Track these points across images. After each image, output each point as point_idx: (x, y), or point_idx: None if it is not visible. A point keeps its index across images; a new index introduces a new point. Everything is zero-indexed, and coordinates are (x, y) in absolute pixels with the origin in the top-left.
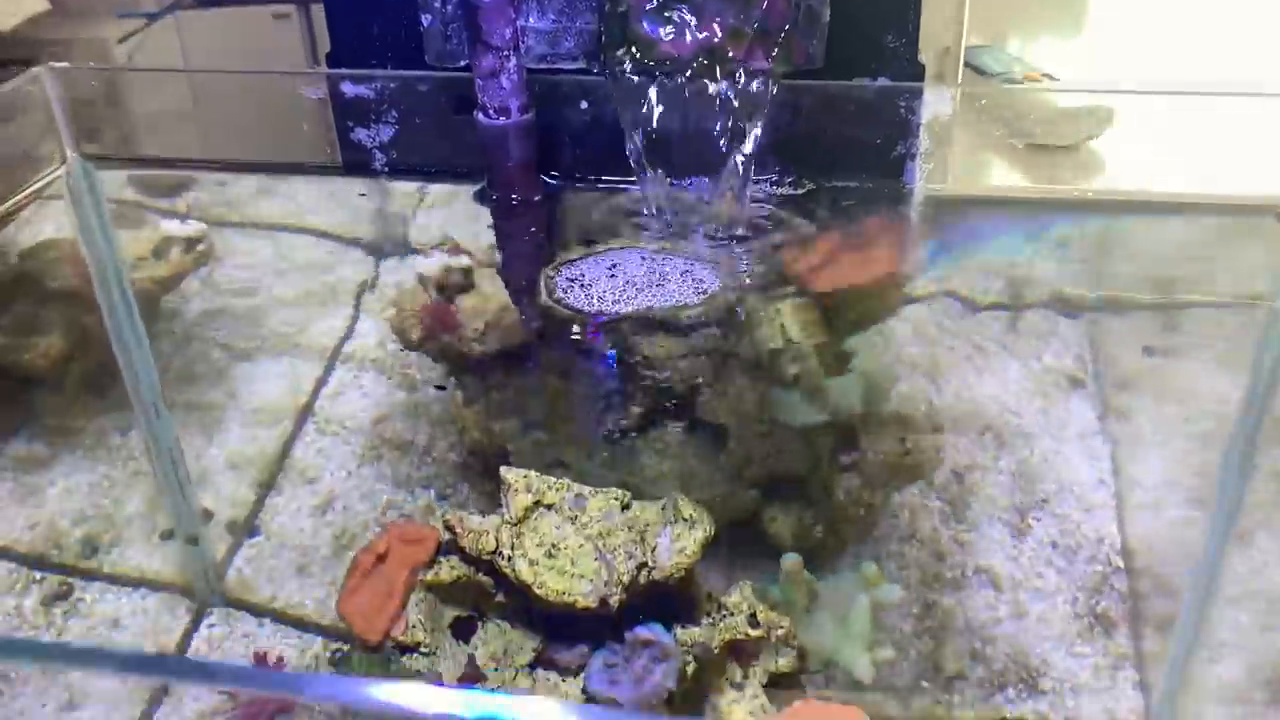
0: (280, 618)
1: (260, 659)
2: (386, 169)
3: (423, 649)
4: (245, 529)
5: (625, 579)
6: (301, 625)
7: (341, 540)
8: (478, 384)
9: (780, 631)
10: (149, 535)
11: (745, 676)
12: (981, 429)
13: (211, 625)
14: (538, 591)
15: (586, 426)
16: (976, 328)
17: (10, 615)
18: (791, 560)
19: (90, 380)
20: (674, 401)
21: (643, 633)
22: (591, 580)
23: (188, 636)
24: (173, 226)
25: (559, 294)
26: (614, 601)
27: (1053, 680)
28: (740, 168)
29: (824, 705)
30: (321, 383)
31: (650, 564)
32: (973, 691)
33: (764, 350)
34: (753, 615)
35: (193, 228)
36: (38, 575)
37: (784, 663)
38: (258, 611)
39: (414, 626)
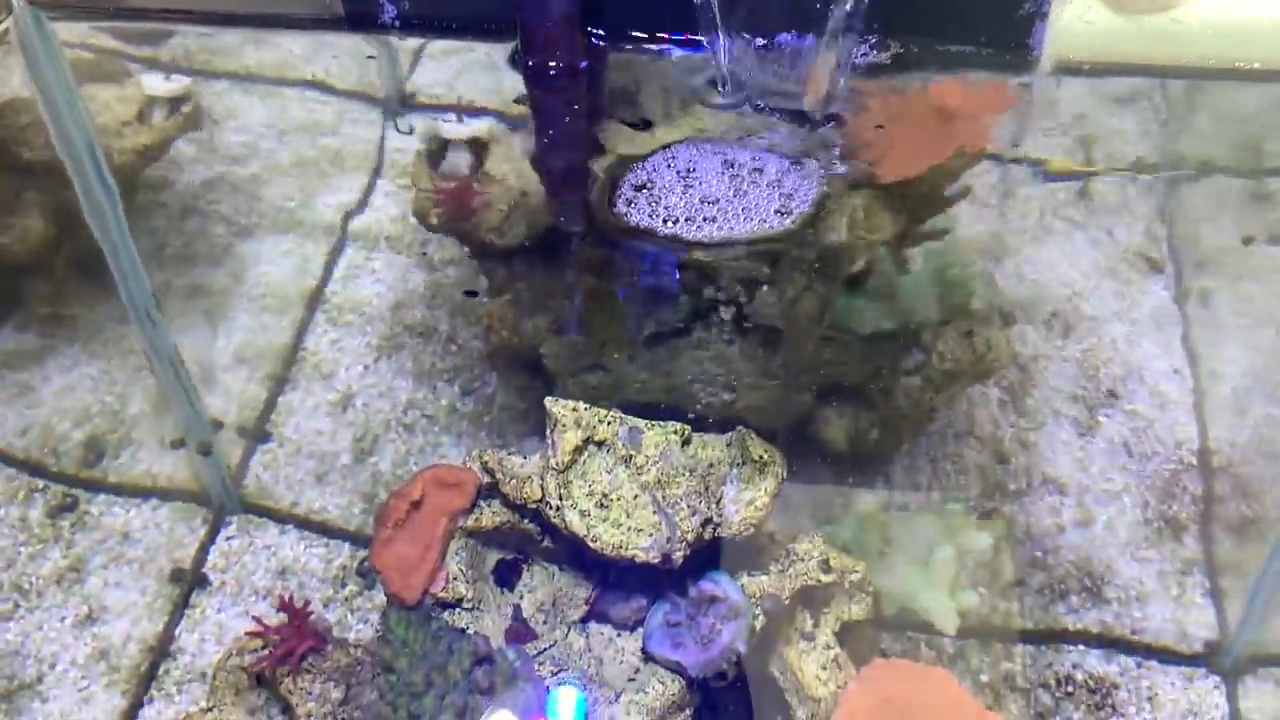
0: (303, 526)
1: (285, 605)
2: (398, 23)
3: (465, 604)
4: (259, 432)
5: (690, 536)
6: (326, 533)
7: (362, 444)
8: (505, 275)
9: (854, 577)
10: (157, 440)
11: (816, 625)
12: (1049, 316)
13: (230, 537)
14: (591, 545)
15: (627, 327)
16: (1050, 202)
17: (15, 528)
18: (869, 503)
19: (81, 264)
20: (727, 302)
21: (708, 588)
22: (651, 534)
23: (205, 550)
24: (155, 83)
25: (621, 207)
26: (677, 559)
27: (1117, 589)
28: (839, 25)
29: (907, 664)
30: (331, 263)
31: (716, 519)
32: (1032, 600)
33: (830, 247)
34: (825, 561)
35: (177, 84)
36: (40, 484)
37: (857, 610)
38: (279, 519)
39: (455, 579)
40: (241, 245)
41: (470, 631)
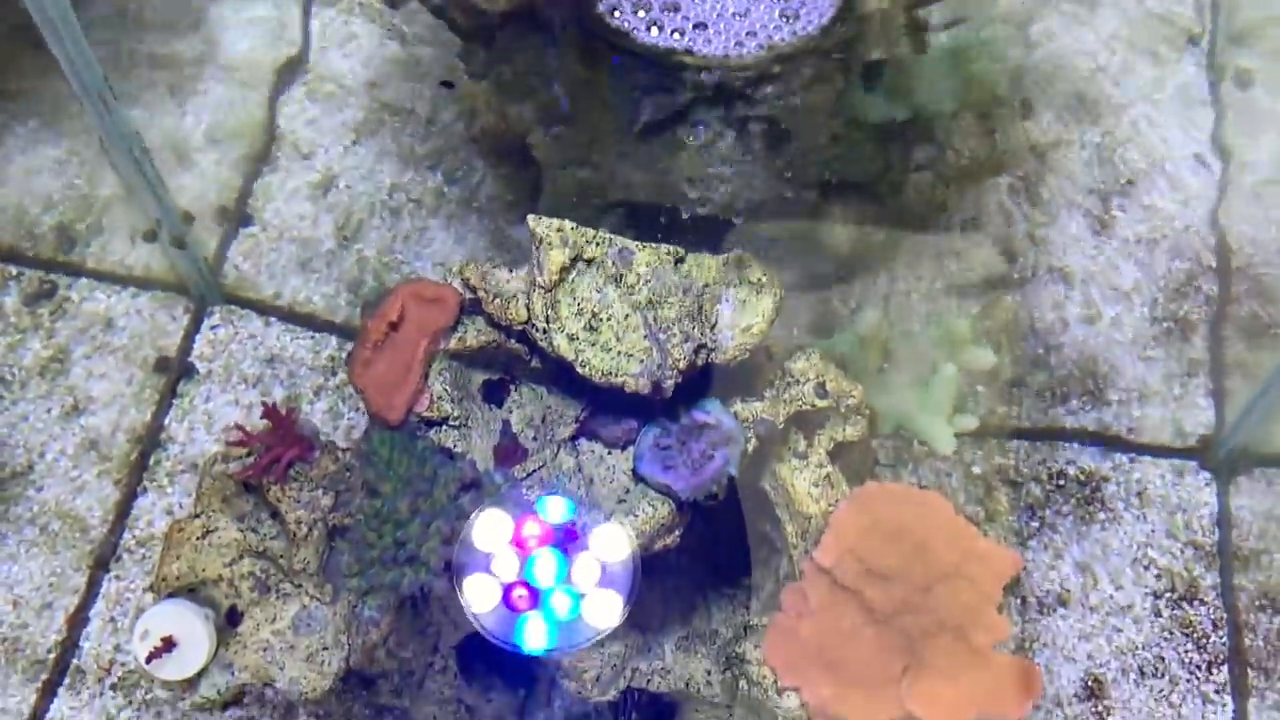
0: (287, 317)
1: (269, 412)
2: None
3: (451, 421)
4: (236, 217)
5: (682, 364)
6: (311, 324)
7: (345, 230)
8: (486, 58)
9: (851, 400)
10: (130, 228)
11: (809, 445)
12: (1071, 98)
13: (215, 326)
14: (580, 370)
15: (619, 120)
16: None
17: None
18: (869, 317)
19: (30, 30)
20: (728, 96)
21: (700, 417)
22: (642, 360)
23: (189, 339)
24: None
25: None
26: (668, 387)
27: (1119, 389)
28: None
29: (901, 488)
30: (306, 28)
31: (709, 345)
32: (1031, 400)
33: (842, 36)
34: (821, 384)
35: None
36: (13, 270)
37: (851, 431)
38: (262, 310)
39: (440, 399)
40: (211, 9)
41: (457, 449)
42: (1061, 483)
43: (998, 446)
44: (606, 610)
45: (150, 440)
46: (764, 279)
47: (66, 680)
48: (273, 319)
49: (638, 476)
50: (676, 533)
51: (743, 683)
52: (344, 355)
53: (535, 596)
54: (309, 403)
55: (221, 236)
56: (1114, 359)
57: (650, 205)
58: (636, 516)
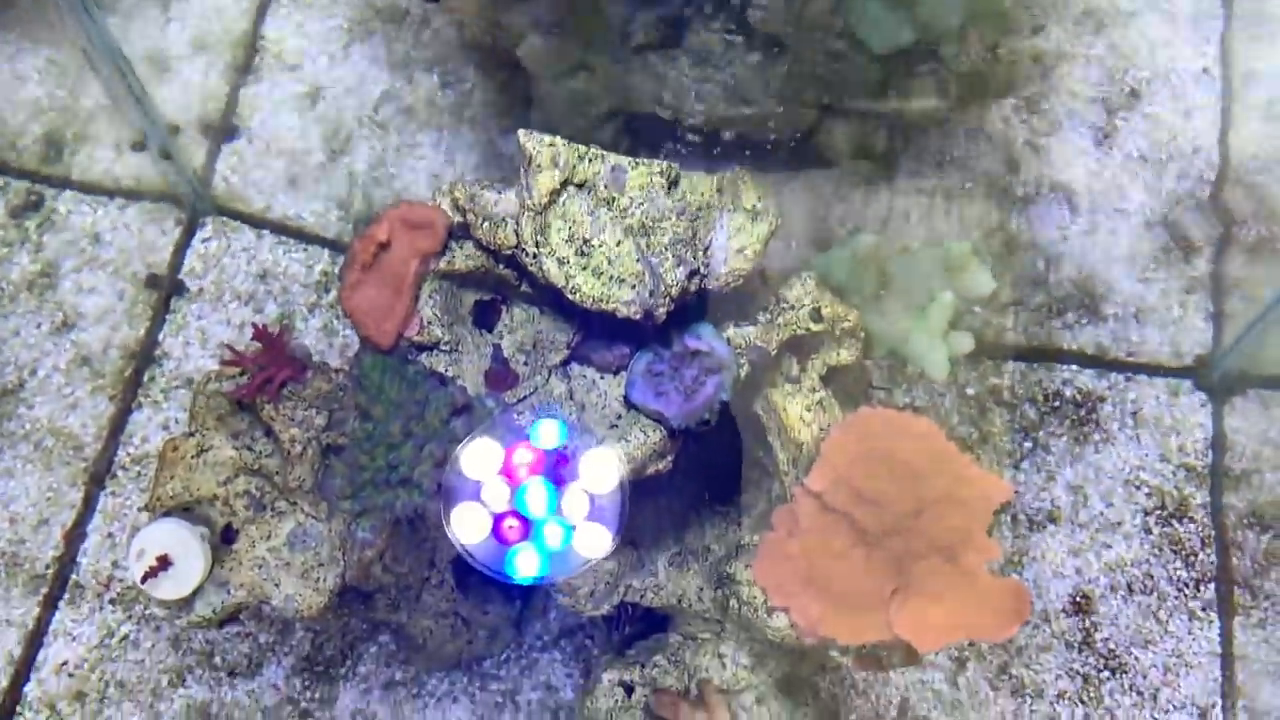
0: (279, 231)
1: (259, 333)
2: None
3: (442, 346)
4: (223, 129)
5: (674, 290)
6: (303, 238)
7: (333, 143)
8: None
9: (846, 325)
10: (116, 139)
11: (802, 370)
12: (1079, 14)
13: (206, 240)
14: (570, 297)
15: (614, 27)
16: None
17: None
18: (866, 240)
19: None
20: (726, 4)
21: (693, 343)
22: (634, 286)
23: (180, 252)
24: None
25: None
26: (660, 314)
27: (1116, 307)
28: None
29: (893, 414)
30: None
31: (703, 270)
32: (1029, 316)
33: None
34: (816, 310)
35: None
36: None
37: (845, 354)
38: (253, 223)
39: (430, 324)
40: None
41: (448, 374)
42: (1057, 404)
43: (993, 367)
44: (596, 542)
45: (144, 356)
46: (760, 203)
47: (66, 595)
48: (264, 232)
49: (629, 403)
50: (668, 458)
51: (733, 601)
52: (337, 271)
53: (527, 527)
54: (303, 319)
55: (208, 149)
56: (1113, 277)
57: (646, 116)
58: (628, 443)
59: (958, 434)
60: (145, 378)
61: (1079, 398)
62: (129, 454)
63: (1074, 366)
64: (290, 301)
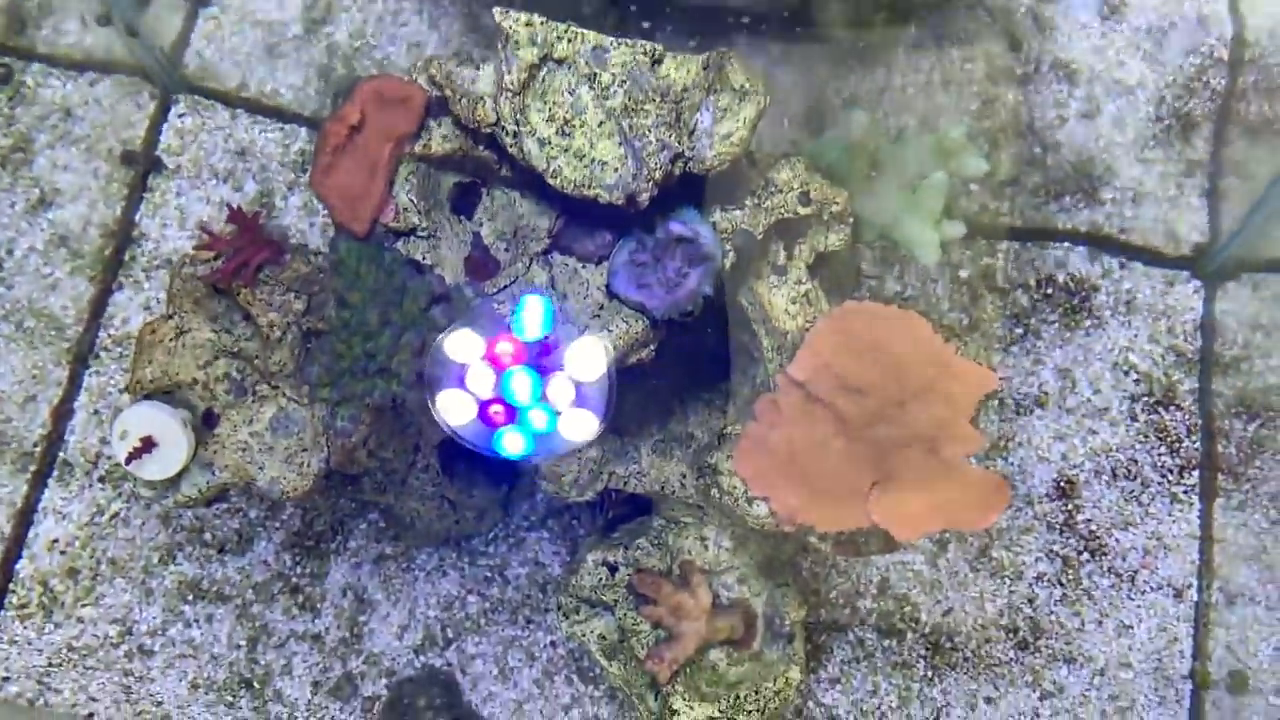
0: (255, 109)
1: (234, 215)
2: None
3: (420, 232)
4: None
5: (657, 174)
6: (280, 116)
7: (314, 11)
8: None
9: (835, 208)
10: (83, 8)
11: (789, 259)
12: None
13: (182, 115)
14: (551, 181)
15: None
16: None
17: None
18: (860, 118)
19: None
20: None
21: (677, 229)
22: (617, 169)
23: (155, 129)
24: None
25: None
26: (643, 200)
27: (1114, 189)
28: None
29: (880, 307)
30: None
31: (687, 154)
32: (1025, 199)
33: None
34: (804, 193)
35: None
36: None
37: (834, 239)
38: (229, 102)
39: (406, 210)
40: None
41: (427, 261)
42: (1049, 290)
43: (987, 248)
44: (582, 426)
45: (123, 235)
46: (747, 84)
47: (55, 472)
48: (240, 110)
49: (611, 293)
50: (651, 348)
51: (714, 491)
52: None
53: (511, 413)
54: (282, 198)
55: (184, 17)
56: (1111, 158)
57: None
58: (610, 332)
59: (949, 319)
60: (125, 257)
61: (1072, 284)
62: (111, 334)
63: (1068, 245)
64: (269, 180)
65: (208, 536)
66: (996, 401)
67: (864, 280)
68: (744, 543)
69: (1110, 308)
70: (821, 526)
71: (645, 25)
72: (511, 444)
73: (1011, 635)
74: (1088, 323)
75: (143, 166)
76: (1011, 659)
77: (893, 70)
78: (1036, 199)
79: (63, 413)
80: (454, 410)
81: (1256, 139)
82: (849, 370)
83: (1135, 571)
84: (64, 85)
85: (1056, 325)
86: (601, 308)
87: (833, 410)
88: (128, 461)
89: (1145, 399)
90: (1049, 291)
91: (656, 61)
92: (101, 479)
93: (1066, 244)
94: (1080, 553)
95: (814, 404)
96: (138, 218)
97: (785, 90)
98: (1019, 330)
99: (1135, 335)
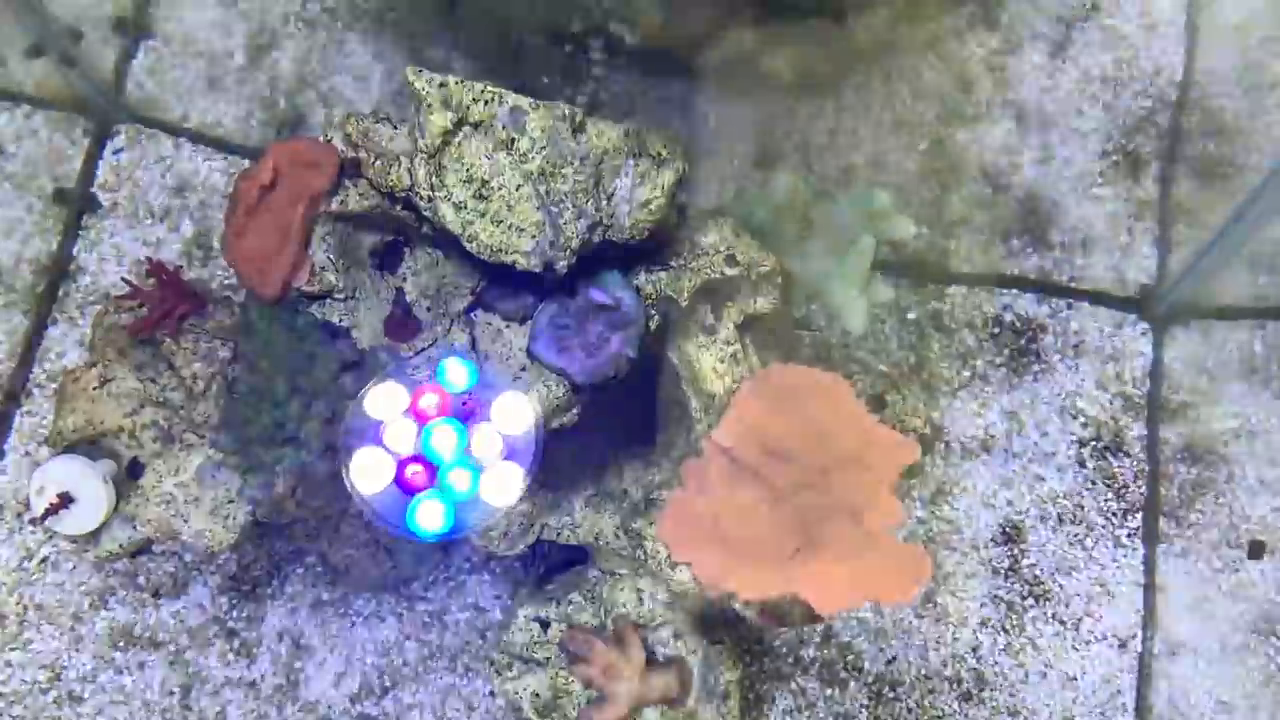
0: (198, 139)
1: (154, 268)
2: None
3: (337, 294)
4: (136, 27)
5: (574, 243)
6: (223, 147)
7: (258, 41)
8: None
9: (763, 269)
10: (16, 38)
11: (716, 319)
12: None
13: (118, 151)
14: (467, 245)
15: None
16: None
17: None
18: (784, 184)
19: None
20: None
21: (598, 297)
22: (534, 236)
23: (92, 163)
24: None
25: None
26: (561, 267)
27: (1062, 231)
28: None
29: (805, 370)
30: None
31: (605, 222)
32: (972, 238)
33: None
34: (731, 256)
35: None
36: None
37: (763, 302)
38: (171, 131)
39: (323, 270)
40: None
41: (343, 324)
42: (996, 330)
43: (934, 291)
44: (507, 485)
45: (58, 271)
46: (664, 151)
47: None
48: (182, 141)
49: (532, 356)
50: (573, 412)
51: (639, 553)
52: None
53: (432, 473)
54: (220, 239)
55: (120, 51)
56: (1060, 198)
57: (579, 32)
58: (532, 395)
59: (896, 357)
60: (60, 292)
61: (1019, 325)
62: (44, 371)
63: (1015, 291)
64: (209, 217)
65: (141, 580)
66: (942, 445)
67: (808, 330)
68: (680, 596)
69: (1058, 350)
70: (743, 594)
71: (584, 71)
72: (428, 517)
73: (955, 686)
74: (1036, 366)
75: (76, 204)
76: (955, 711)
77: (843, 108)
78: (984, 237)
79: None
80: (370, 472)
81: (1204, 182)
82: (774, 435)
83: (1079, 619)
84: None
85: (1004, 368)
86: (523, 369)
87: (758, 476)
88: (43, 518)
89: (1093, 444)
90: (996, 331)
91: (577, 128)
92: (34, 521)
93: (1015, 291)
94: (1025, 598)
95: (740, 469)
96: (75, 252)
97: (733, 130)
98: (965, 372)
99: (1082, 379)
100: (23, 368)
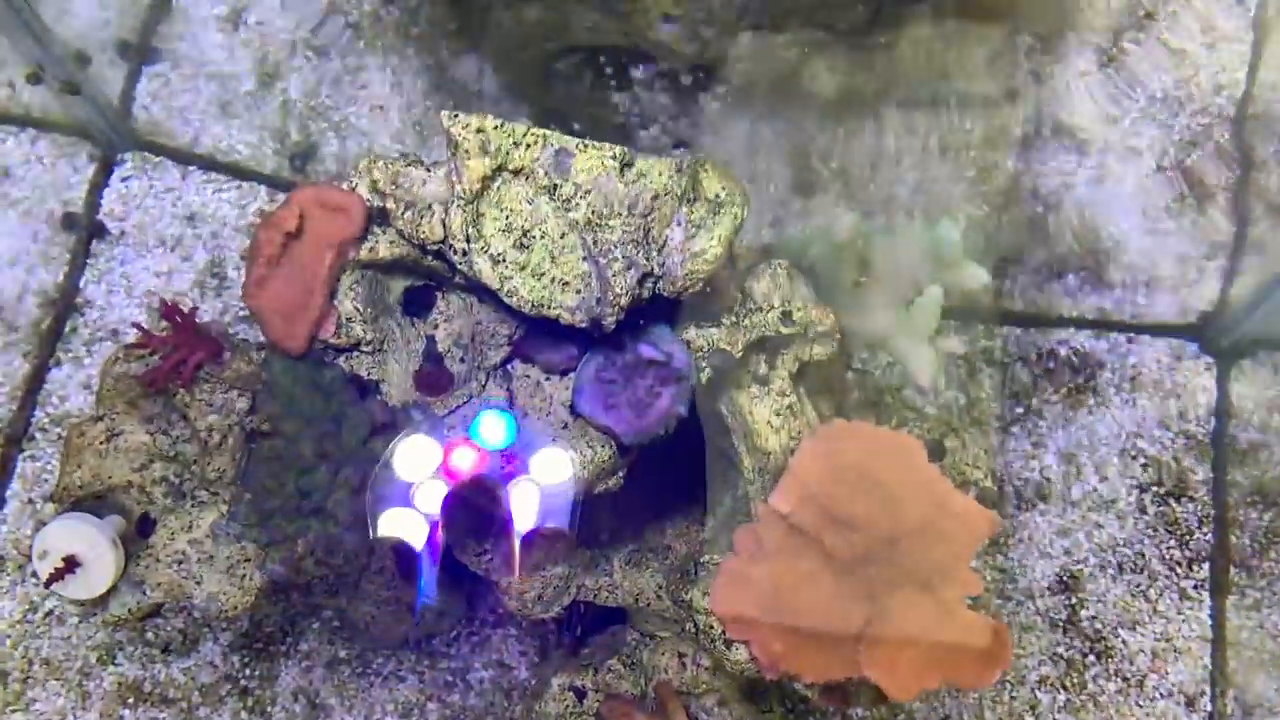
0: (209, 167)
1: (169, 311)
2: None
3: (364, 346)
4: (142, 51)
5: (624, 298)
6: (237, 174)
7: (266, 66)
8: None
9: (821, 329)
10: (17, 61)
11: (771, 369)
12: None
13: (126, 178)
14: (506, 300)
15: None
16: None
17: None
18: (845, 223)
19: None
20: None
21: (648, 352)
22: (579, 290)
23: (97, 191)
24: None
25: None
26: (609, 323)
27: (1122, 265)
28: None
29: (870, 429)
30: None
31: (656, 273)
32: (1027, 278)
33: None
34: (786, 313)
35: None
36: None
37: (819, 350)
38: (180, 159)
39: (350, 320)
40: None
41: (371, 378)
42: (1051, 365)
43: (985, 330)
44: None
45: (64, 304)
46: (723, 194)
47: None
48: (192, 169)
49: (575, 413)
50: (620, 474)
51: (689, 626)
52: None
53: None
54: (235, 267)
55: (126, 75)
56: (1118, 227)
57: (612, 50)
58: (575, 456)
59: (945, 398)
60: (66, 328)
61: (1075, 359)
62: (48, 414)
63: (1072, 329)
64: (221, 247)
65: (150, 636)
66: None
67: (853, 371)
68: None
69: (1114, 385)
70: (808, 676)
71: (623, 88)
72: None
73: None
74: (1091, 401)
75: (84, 231)
76: None
77: (884, 134)
78: (1039, 277)
79: None
80: (400, 531)
81: (1274, 209)
82: (836, 501)
83: (1144, 676)
84: (3, 143)
85: (1060, 405)
86: (565, 427)
87: (819, 544)
88: (49, 583)
89: (1155, 489)
90: (1050, 366)
91: (626, 165)
92: (36, 574)
93: (1071, 328)
94: (1085, 654)
95: (798, 537)
96: (81, 285)
97: (772, 157)
98: (1019, 409)
99: (1143, 416)
100: (24, 411)
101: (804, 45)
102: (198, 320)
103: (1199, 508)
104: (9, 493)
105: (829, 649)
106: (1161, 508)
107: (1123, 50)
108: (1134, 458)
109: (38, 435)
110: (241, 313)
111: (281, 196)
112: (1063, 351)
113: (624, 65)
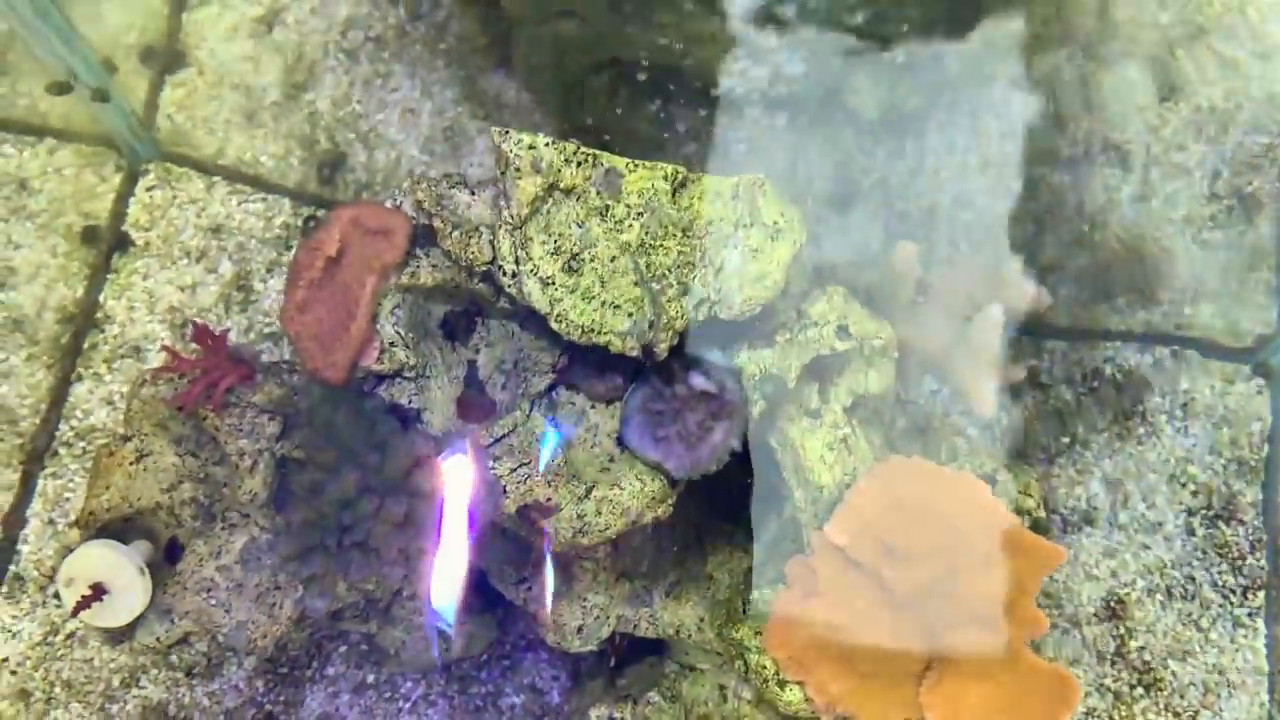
0: (234, 178)
1: (200, 333)
2: None
3: (406, 372)
4: (167, 58)
5: (678, 324)
6: (262, 186)
7: (295, 74)
8: None
9: (877, 343)
10: (42, 68)
11: (824, 400)
12: None
13: (150, 188)
14: (555, 325)
15: None
16: None
17: None
18: (903, 249)
19: None
20: None
21: (699, 383)
22: (631, 315)
23: (122, 202)
24: None
25: None
26: (661, 350)
27: (1167, 278)
28: None
29: (929, 466)
30: None
31: (713, 298)
32: (1068, 290)
33: None
34: (843, 327)
35: None
36: None
37: (875, 379)
38: (205, 170)
39: (392, 346)
40: None
41: (413, 405)
42: (1096, 385)
43: (1030, 346)
44: None
45: (85, 320)
46: (781, 220)
47: (4, 588)
48: (216, 179)
49: (623, 444)
50: (669, 503)
51: (739, 664)
52: (300, 223)
53: None
54: (261, 280)
55: (150, 82)
56: (1167, 244)
57: (647, 67)
58: (623, 489)
59: (983, 421)
60: (86, 344)
61: (1121, 379)
62: (71, 429)
63: (1119, 343)
64: (247, 260)
65: (174, 659)
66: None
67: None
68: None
69: (1165, 410)
70: (866, 718)
71: (657, 106)
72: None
73: None
74: (1140, 429)
75: (107, 244)
76: None
77: (926, 149)
78: (1083, 290)
79: (14, 520)
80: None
81: None
82: (894, 533)
83: (1196, 712)
84: (20, 153)
85: (1106, 431)
86: (612, 460)
87: (877, 579)
88: (76, 612)
89: (1204, 512)
90: (1095, 387)
91: (679, 186)
92: (58, 595)
93: (1118, 341)
94: (1133, 686)
95: (855, 571)
96: (101, 299)
97: (811, 170)
98: (1064, 438)
99: (1193, 443)
100: (46, 427)
101: (846, 54)
102: (228, 342)
103: (1249, 531)
104: (30, 511)
105: (889, 690)
106: (1210, 530)
107: (1176, 69)
108: (1183, 484)
109: (60, 451)
110: (268, 329)
111: (306, 209)
112: (1108, 371)
113: (659, 81)
